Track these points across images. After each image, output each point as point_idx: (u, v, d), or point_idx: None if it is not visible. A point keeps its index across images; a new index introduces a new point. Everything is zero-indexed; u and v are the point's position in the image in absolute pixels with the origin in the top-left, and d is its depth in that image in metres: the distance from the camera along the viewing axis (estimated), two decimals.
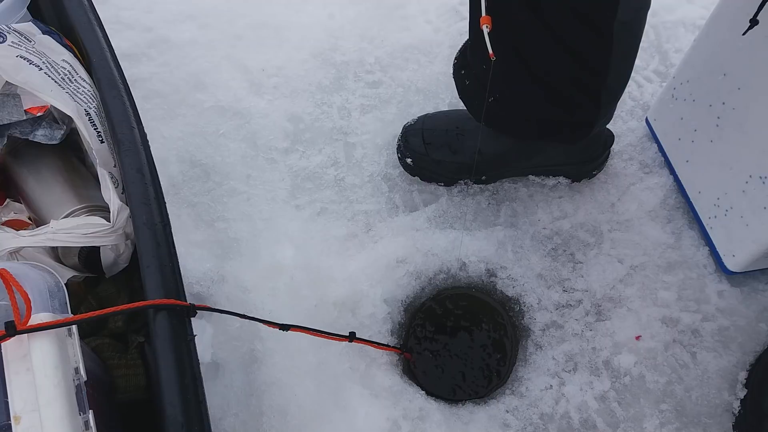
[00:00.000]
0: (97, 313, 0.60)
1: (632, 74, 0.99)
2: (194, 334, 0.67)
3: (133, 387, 0.79)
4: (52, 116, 0.89)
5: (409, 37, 1.36)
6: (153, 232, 0.70)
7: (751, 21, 0.77)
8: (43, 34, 0.85)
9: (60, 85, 0.81)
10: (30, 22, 0.86)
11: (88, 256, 0.83)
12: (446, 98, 1.29)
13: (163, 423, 0.59)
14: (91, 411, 0.57)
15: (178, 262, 0.71)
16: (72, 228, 0.77)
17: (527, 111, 0.98)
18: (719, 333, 1.04)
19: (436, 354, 1.09)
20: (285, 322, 0.77)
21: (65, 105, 0.80)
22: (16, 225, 0.90)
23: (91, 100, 0.83)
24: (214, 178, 1.19)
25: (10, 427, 0.52)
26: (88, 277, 0.88)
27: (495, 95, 0.97)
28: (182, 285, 0.69)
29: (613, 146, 1.16)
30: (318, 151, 1.23)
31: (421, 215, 1.15)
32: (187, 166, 1.20)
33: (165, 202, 0.75)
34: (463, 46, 1.04)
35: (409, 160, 1.16)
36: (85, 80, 0.84)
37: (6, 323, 0.54)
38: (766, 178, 0.90)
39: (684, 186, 1.12)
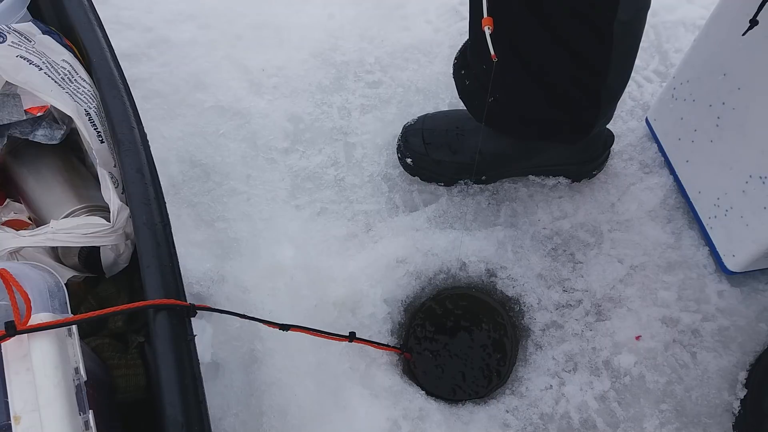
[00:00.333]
0: (97, 313, 0.60)
1: (632, 74, 0.99)
2: (194, 334, 0.67)
3: (133, 387, 0.79)
4: (52, 116, 0.89)
5: (409, 37, 1.36)
6: (153, 232, 0.70)
7: (750, 21, 0.77)
8: (43, 34, 0.85)
9: (60, 85, 0.81)
10: (30, 22, 0.86)
11: (88, 256, 0.84)
12: (446, 98, 1.29)
13: (163, 423, 0.59)
14: (91, 411, 0.57)
15: (178, 262, 0.71)
16: (72, 228, 0.77)
17: (527, 111, 0.98)
18: (719, 333, 1.04)
19: (436, 354, 1.09)
20: (285, 322, 0.77)
21: (65, 105, 0.80)
22: (16, 225, 0.90)
23: (91, 100, 0.83)
24: (214, 178, 1.19)
25: (10, 427, 0.52)
26: (88, 277, 0.88)
27: (495, 95, 0.97)
28: (182, 285, 0.69)
29: (613, 146, 1.16)
30: (318, 151, 1.23)
31: (421, 215, 1.15)
32: (187, 166, 1.20)
33: (165, 202, 0.75)
34: (463, 46, 1.04)
35: (409, 160, 1.16)
36: (85, 80, 0.84)
37: (6, 323, 0.54)
38: (766, 178, 0.90)
39: (684, 186, 1.12)
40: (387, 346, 1.00)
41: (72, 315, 0.60)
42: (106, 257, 0.84)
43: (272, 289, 1.07)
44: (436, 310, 1.12)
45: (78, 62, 0.86)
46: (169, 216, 0.75)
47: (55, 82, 0.81)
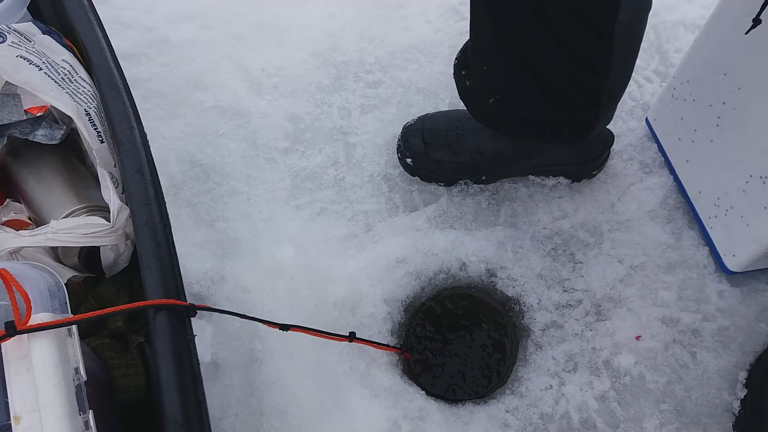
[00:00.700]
0: (97, 313, 0.60)
1: (632, 74, 0.99)
2: (194, 334, 0.67)
3: (133, 387, 0.79)
4: (52, 116, 0.88)
5: (409, 37, 1.36)
6: (153, 232, 0.70)
7: (754, 20, 0.77)
8: (43, 34, 0.85)
9: (60, 85, 0.81)
10: (30, 22, 0.86)
11: (88, 256, 0.83)
12: (446, 98, 1.29)
13: (163, 423, 0.59)
14: (91, 411, 0.57)
15: (178, 262, 0.71)
16: (72, 228, 0.77)
17: (527, 111, 0.98)
18: (719, 333, 1.04)
19: (436, 354, 1.09)
20: (285, 322, 0.77)
21: (65, 105, 0.80)
22: (16, 225, 0.90)
23: (91, 100, 0.83)
24: (214, 178, 1.19)
25: (10, 427, 0.52)
26: (88, 277, 0.88)
27: (495, 96, 0.97)
28: (182, 285, 0.69)
29: (613, 146, 1.16)
30: (318, 151, 1.23)
31: (421, 215, 1.15)
32: (187, 166, 1.20)
33: (165, 202, 0.75)
34: (463, 46, 1.04)
35: (409, 160, 1.16)
36: (85, 80, 0.84)
37: (6, 323, 0.54)
38: (766, 177, 0.90)
39: (684, 186, 1.12)
40: (387, 346, 1.00)
41: (72, 315, 0.60)
42: (106, 257, 0.84)
43: (272, 289, 1.07)
44: (436, 310, 1.12)
45: (78, 62, 0.86)
46: (169, 216, 0.75)
47: (55, 82, 0.81)
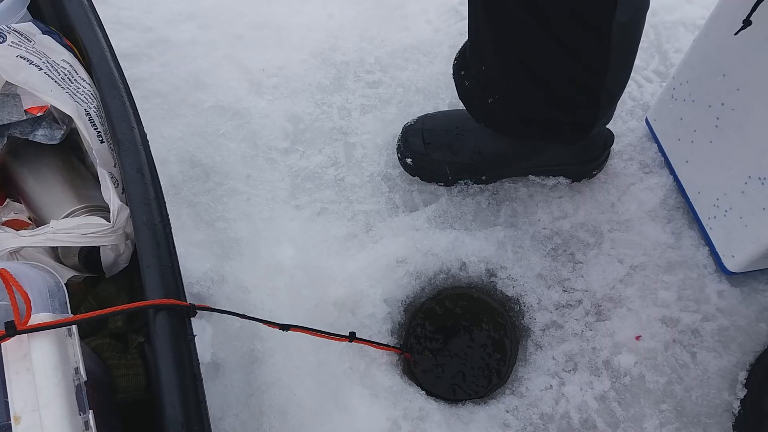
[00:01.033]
0: (97, 313, 0.60)
1: (632, 74, 0.99)
2: (194, 334, 0.67)
3: (133, 387, 0.79)
4: (52, 116, 0.89)
5: (409, 37, 1.36)
6: (153, 232, 0.70)
7: (744, 22, 0.77)
8: (43, 34, 0.85)
9: (60, 85, 0.81)
10: (30, 22, 0.86)
11: (88, 256, 0.83)
12: (446, 98, 1.29)
13: (163, 423, 0.59)
14: (91, 411, 0.57)
15: (178, 262, 0.71)
16: (72, 228, 0.77)
17: (527, 111, 0.98)
18: (719, 333, 1.04)
19: (436, 354, 1.09)
20: (285, 322, 0.77)
21: (65, 105, 0.80)
22: (16, 225, 0.90)
23: (91, 100, 0.83)
24: (214, 178, 1.19)
25: (10, 427, 0.53)
26: (88, 277, 0.88)
27: (494, 96, 0.97)
28: (182, 285, 0.69)
29: (613, 146, 1.16)
30: (318, 151, 1.23)
31: (421, 215, 1.15)
32: (187, 166, 1.20)
33: (165, 202, 0.75)
34: (462, 46, 1.04)
35: (409, 160, 1.16)
36: (85, 80, 0.84)
37: (6, 323, 0.54)
38: (764, 179, 0.90)
39: (684, 186, 1.12)
40: (387, 346, 1.00)
41: (72, 315, 0.60)
42: (106, 257, 0.84)
43: (272, 289, 1.07)
44: (436, 310, 1.12)
45: (78, 62, 0.86)
46: (169, 216, 0.75)
47: (55, 82, 0.81)
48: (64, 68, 0.83)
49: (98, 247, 0.82)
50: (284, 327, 0.77)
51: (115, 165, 0.82)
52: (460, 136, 1.14)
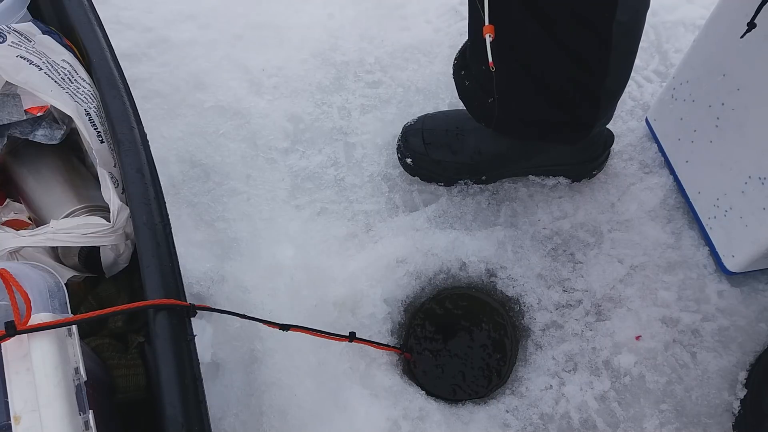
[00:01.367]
0: (97, 313, 0.60)
1: (632, 74, 0.99)
2: (194, 334, 0.67)
3: (133, 387, 0.79)
4: (52, 116, 0.89)
5: (409, 37, 1.36)
6: (153, 232, 0.70)
7: (748, 24, 0.77)
8: (43, 34, 0.85)
9: (60, 85, 0.81)
10: (30, 22, 0.86)
11: (88, 256, 0.84)
12: (446, 98, 1.29)
13: (163, 423, 0.59)
14: (91, 411, 0.57)
15: (178, 262, 0.71)
16: (72, 228, 0.77)
17: (527, 112, 0.98)
18: (719, 333, 1.04)
19: (436, 354, 1.09)
20: (285, 322, 0.77)
21: (65, 105, 0.80)
22: (16, 225, 0.90)
23: (91, 100, 0.83)
24: (214, 178, 1.19)
25: (10, 427, 0.53)
26: (88, 277, 0.88)
27: (495, 96, 0.97)
28: (182, 285, 0.69)
29: (613, 146, 1.16)
30: (318, 151, 1.23)
31: (421, 215, 1.15)
32: (187, 166, 1.20)
33: (165, 202, 0.75)
34: (462, 46, 1.04)
35: (409, 160, 1.16)
36: (85, 80, 0.84)
37: (6, 323, 0.54)
38: (765, 179, 0.90)
39: (684, 186, 1.12)
40: (387, 346, 1.00)
41: (72, 315, 0.60)
42: (106, 257, 0.84)
43: (272, 289, 1.07)
44: (436, 310, 1.12)
45: (78, 62, 0.86)
46: (169, 216, 0.75)
47: (55, 82, 0.81)
48: (64, 68, 0.83)
49: (98, 247, 0.82)
50: (284, 327, 0.77)
51: (115, 165, 0.82)
52: (460, 136, 1.14)
